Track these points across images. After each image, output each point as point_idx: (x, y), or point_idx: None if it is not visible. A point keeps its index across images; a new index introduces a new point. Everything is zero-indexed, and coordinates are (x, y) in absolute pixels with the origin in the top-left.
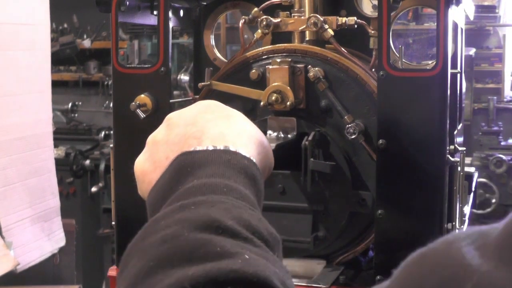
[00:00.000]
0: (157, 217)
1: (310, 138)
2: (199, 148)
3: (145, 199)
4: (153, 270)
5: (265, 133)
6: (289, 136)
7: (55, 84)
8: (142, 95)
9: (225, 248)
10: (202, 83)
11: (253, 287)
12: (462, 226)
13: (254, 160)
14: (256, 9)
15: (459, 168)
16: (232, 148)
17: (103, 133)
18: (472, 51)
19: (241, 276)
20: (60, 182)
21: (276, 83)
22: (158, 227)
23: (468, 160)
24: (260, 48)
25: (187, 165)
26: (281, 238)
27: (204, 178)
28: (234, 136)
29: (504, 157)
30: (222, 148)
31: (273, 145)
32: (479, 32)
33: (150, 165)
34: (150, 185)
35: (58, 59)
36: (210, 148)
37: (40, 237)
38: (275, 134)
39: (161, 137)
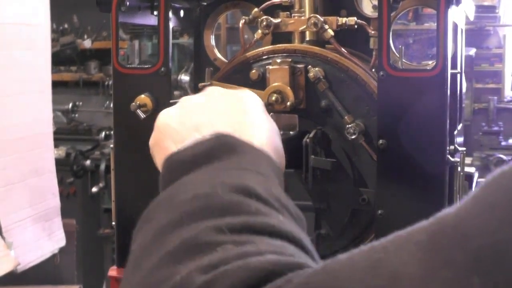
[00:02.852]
0: (184, 180)
1: (311, 135)
2: (237, 137)
3: (154, 148)
4: (185, 222)
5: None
6: (291, 133)
7: (55, 84)
8: (143, 95)
9: (260, 210)
10: (203, 83)
11: (287, 243)
12: None
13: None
14: (256, 9)
15: (459, 168)
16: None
17: (103, 133)
18: (472, 51)
19: (277, 231)
20: (61, 182)
21: (276, 83)
22: (186, 189)
23: (468, 160)
24: (260, 48)
25: (223, 147)
26: None
27: (237, 162)
28: (267, 143)
29: (504, 157)
30: (257, 146)
31: None
32: (479, 32)
33: (176, 123)
34: (168, 139)
35: (59, 59)
36: (248, 141)
37: (40, 237)
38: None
39: (198, 105)
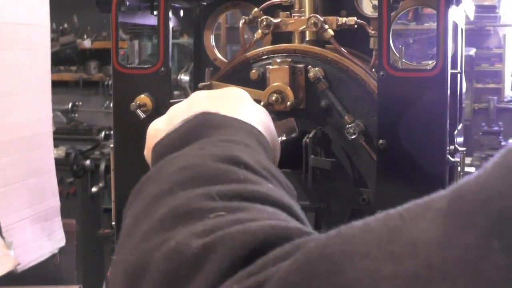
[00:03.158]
0: (172, 155)
1: (311, 135)
2: (221, 113)
3: (148, 156)
4: (175, 191)
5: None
6: (292, 135)
7: (55, 84)
8: (142, 95)
9: (249, 178)
10: (202, 83)
11: (279, 209)
12: None
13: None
14: (256, 9)
15: (459, 168)
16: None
17: (103, 133)
18: (472, 51)
19: (267, 198)
20: (60, 182)
21: (276, 83)
22: (175, 162)
23: (468, 160)
24: (260, 48)
25: (209, 124)
26: None
27: (224, 136)
28: (256, 121)
29: None
30: (242, 119)
31: None
32: (479, 32)
33: (164, 125)
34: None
35: (58, 59)
36: (232, 116)
37: (40, 237)
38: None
39: (183, 108)
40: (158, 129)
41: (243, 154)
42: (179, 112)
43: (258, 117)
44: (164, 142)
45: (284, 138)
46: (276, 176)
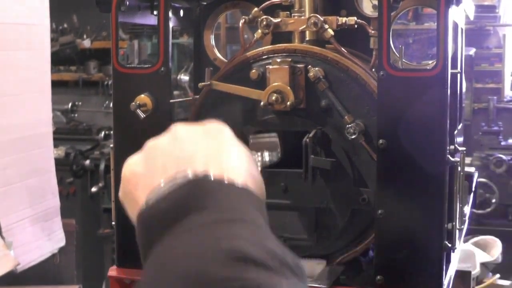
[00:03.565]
0: (165, 247)
1: (311, 135)
2: (212, 176)
3: (124, 200)
4: None
5: (267, 132)
6: (274, 155)
7: (55, 84)
8: (142, 95)
9: (261, 278)
10: (202, 83)
11: None
12: (462, 226)
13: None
14: (256, 9)
15: (459, 168)
16: (239, 182)
17: (103, 133)
18: (472, 51)
19: None
20: (60, 182)
21: (276, 83)
22: (174, 264)
23: (468, 160)
24: (260, 48)
25: (200, 193)
26: (285, 236)
27: (219, 213)
28: (243, 173)
29: (504, 157)
30: (235, 182)
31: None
32: (479, 32)
33: (142, 168)
34: (136, 187)
35: (58, 59)
36: (225, 179)
37: (40, 237)
38: (259, 153)
39: (163, 145)
40: (136, 173)
41: (247, 243)
42: (159, 152)
43: (244, 167)
44: (152, 213)
45: (266, 159)
46: (284, 261)
